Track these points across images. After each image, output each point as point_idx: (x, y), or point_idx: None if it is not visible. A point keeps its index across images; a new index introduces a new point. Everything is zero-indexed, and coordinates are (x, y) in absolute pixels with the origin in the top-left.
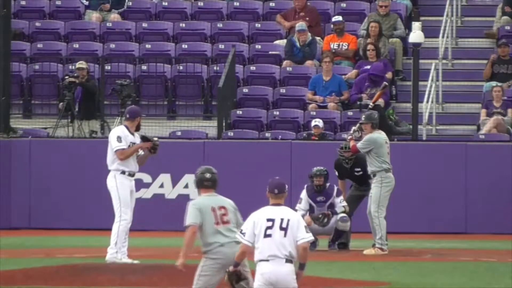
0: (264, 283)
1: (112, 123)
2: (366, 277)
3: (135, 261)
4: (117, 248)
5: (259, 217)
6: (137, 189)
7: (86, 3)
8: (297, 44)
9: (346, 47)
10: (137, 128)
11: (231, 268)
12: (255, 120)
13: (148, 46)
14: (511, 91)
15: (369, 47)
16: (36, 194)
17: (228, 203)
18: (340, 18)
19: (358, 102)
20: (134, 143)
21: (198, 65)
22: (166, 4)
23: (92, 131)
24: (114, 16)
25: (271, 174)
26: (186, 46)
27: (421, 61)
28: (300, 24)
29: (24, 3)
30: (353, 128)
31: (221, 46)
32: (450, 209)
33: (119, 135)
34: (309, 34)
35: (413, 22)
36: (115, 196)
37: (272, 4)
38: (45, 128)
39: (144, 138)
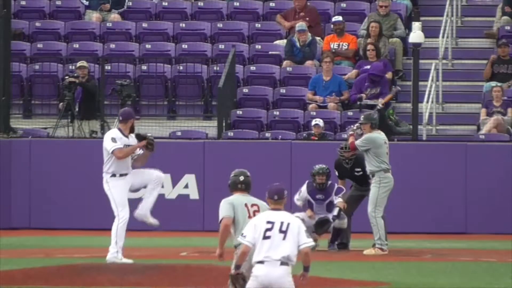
0: (257, 286)
1: (112, 123)
2: (366, 277)
3: (130, 261)
4: (117, 247)
5: (259, 220)
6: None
7: (86, 3)
8: (297, 44)
9: (346, 47)
10: (131, 130)
11: (233, 272)
12: (255, 120)
13: (148, 46)
14: (511, 91)
15: (369, 47)
16: (36, 194)
17: (261, 202)
18: (340, 18)
19: (358, 102)
20: (128, 145)
21: (198, 65)
22: (166, 4)
23: (92, 131)
24: (114, 16)
25: (271, 174)
26: (186, 46)
27: (421, 61)
28: (300, 24)
29: (24, 3)
30: (356, 124)
31: (221, 46)
32: (450, 209)
33: (113, 137)
34: (309, 34)
35: (413, 22)
36: (111, 198)
37: (272, 4)
38: (45, 128)
39: (138, 136)
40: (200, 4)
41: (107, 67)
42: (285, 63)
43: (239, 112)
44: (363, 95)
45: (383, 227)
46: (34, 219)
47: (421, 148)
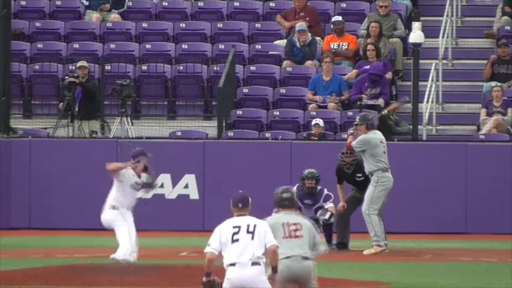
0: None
1: (112, 123)
2: (366, 277)
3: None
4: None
5: (225, 226)
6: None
7: (86, 3)
8: (297, 44)
9: (346, 47)
10: (145, 169)
11: (204, 279)
12: (255, 120)
13: (148, 46)
14: (511, 91)
15: (369, 47)
16: (36, 194)
17: (305, 222)
18: (340, 18)
19: (358, 102)
20: (137, 183)
21: (198, 65)
22: (166, 4)
23: (92, 131)
24: (114, 16)
25: (271, 174)
26: (186, 46)
27: (421, 61)
28: (300, 24)
29: (24, 3)
30: (353, 127)
31: (221, 46)
32: (450, 209)
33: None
34: (309, 34)
35: (413, 22)
36: (113, 228)
37: (272, 4)
38: (45, 128)
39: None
40: (200, 4)
41: (107, 67)
42: (285, 63)
43: (239, 112)
44: (363, 95)
45: (377, 223)
46: (34, 219)
47: (421, 148)
